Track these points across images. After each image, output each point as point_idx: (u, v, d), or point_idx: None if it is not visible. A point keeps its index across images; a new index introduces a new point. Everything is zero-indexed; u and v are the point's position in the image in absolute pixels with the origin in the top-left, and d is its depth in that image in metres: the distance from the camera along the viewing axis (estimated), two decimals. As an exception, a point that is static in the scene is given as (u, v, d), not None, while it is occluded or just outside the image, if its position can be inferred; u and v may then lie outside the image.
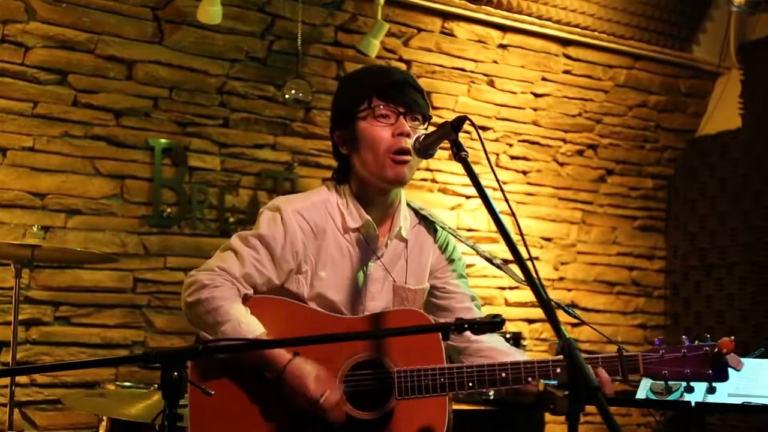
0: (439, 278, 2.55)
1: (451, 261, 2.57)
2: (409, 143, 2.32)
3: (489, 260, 2.56)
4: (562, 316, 2.09)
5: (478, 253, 2.57)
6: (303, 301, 2.37)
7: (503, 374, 2.24)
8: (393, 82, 2.37)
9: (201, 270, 2.34)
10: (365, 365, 2.28)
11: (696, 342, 2.22)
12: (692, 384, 2.21)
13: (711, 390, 2.23)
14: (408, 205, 2.53)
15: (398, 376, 2.24)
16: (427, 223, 2.55)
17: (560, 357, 2.24)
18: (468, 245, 2.58)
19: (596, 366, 2.23)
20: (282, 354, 2.22)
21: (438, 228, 2.56)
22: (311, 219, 2.38)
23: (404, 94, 2.36)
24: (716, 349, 2.18)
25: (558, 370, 2.22)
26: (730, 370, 2.18)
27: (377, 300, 2.42)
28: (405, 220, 2.48)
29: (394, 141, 2.34)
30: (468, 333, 2.22)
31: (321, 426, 2.23)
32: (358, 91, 2.39)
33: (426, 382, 2.23)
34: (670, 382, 2.22)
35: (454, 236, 2.57)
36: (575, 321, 2.52)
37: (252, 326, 2.23)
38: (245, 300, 2.32)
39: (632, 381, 3.11)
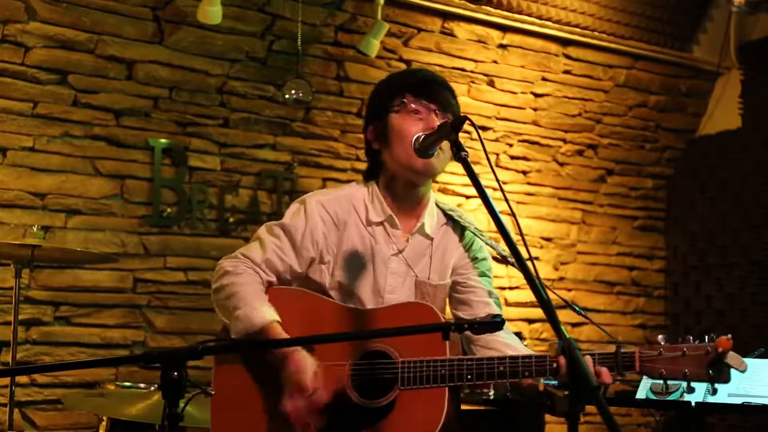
0: (462, 274, 2.59)
1: (474, 259, 2.61)
2: None
3: (503, 259, 2.59)
4: (562, 315, 2.09)
5: (498, 253, 2.59)
6: (325, 290, 2.45)
7: (501, 368, 2.26)
8: (426, 80, 2.48)
9: (227, 257, 2.46)
10: (374, 355, 2.34)
11: (701, 339, 2.17)
12: (692, 384, 2.17)
13: (713, 391, 2.17)
14: (437, 204, 2.60)
15: (402, 366, 2.29)
16: (454, 223, 2.60)
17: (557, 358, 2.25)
18: (491, 245, 2.62)
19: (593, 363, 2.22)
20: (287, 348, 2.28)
21: (465, 228, 2.61)
22: (333, 211, 2.47)
23: (437, 92, 2.44)
24: (717, 349, 2.11)
25: (555, 365, 2.23)
26: (733, 372, 2.12)
27: (397, 293, 2.47)
28: (431, 218, 2.55)
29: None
30: None
31: (328, 413, 2.28)
32: (392, 87, 2.49)
33: (428, 373, 2.28)
34: (669, 381, 2.20)
35: (480, 238, 2.61)
36: (575, 321, 2.53)
37: (264, 313, 2.31)
38: (267, 288, 2.42)
39: (632, 381, 3.11)
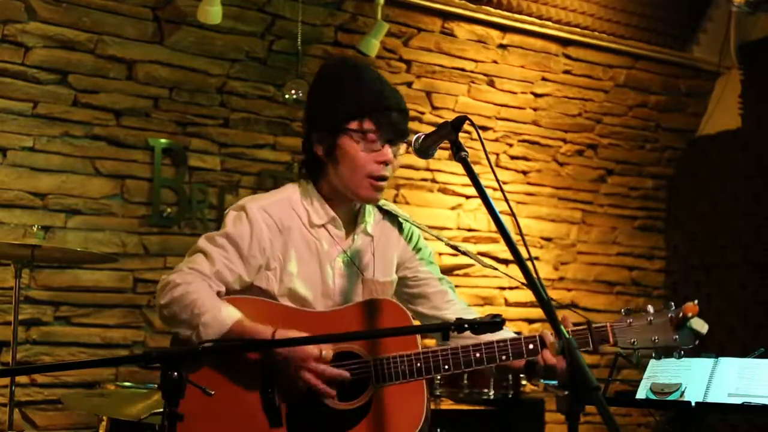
0: (409, 268, 2.58)
1: (418, 250, 2.61)
2: (389, 171, 2.39)
3: (455, 248, 2.63)
4: (561, 316, 2.10)
5: (444, 242, 2.63)
6: (274, 297, 2.39)
7: (477, 354, 2.28)
8: (389, 108, 2.36)
9: (172, 272, 2.35)
10: (342, 356, 2.29)
11: (662, 309, 2.28)
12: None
13: (679, 354, 2.27)
14: None
15: (375, 364, 2.27)
16: (390, 217, 2.59)
17: (533, 335, 2.32)
18: (432, 235, 2.62)
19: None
20: (264, 330, 2.23)
21: (401, 221, 2.60)
22: (276, 216, 2.40)
23: (397, 123, 2.37)
24: (681, 314, 2.23)
25: (530, 346, 2.29)
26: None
27: (347, 294, 2.45)
28: (369, 215, 2.53)
29: (375, 167, 2.38)
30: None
31: (302, 420, 2.24)
32: (353, 106, 2.37)
33: (403, 368, 2.26)
34: (640, 353, 2.27)
35: (419, 228, 2.62)
36: (575, 321, 2.54)
37: (230, 311, 2.25)
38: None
39: (632, 381, 3.11)
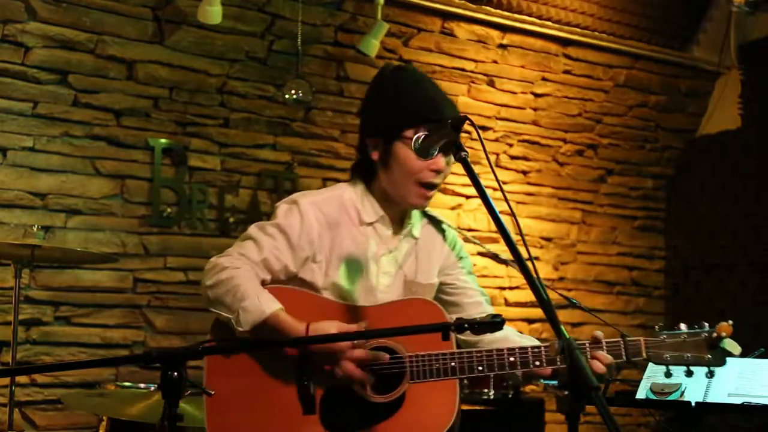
0: (450, 275, 2.62)
1: (460, 258, 2.64)
2: (440, 178, 2.44)
3: (495, 256, 2.64)
4: (562, 316, 2.11)
5: (484, 249, 2.65)
6: (317, 290, 2.43)
7: (511, 358, 2.30)
8: (445, 118, 2.30)
9: (221, 255, 2.42)
10: (379, 351, 2.33)
11: (695, 327, 2.29)
12: (692, 369, 2.26)
13: (710, 374, 2.33)
14: None
15: (410, 360, 2.30)
16: (434, 222, 2.63)
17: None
18: (474, 243, 2.71)
19: (599, 349, 2.34)
20: (298, 326, 2.27)
21: (445, 227, 2.64)
22: (326, 211, 2.45)
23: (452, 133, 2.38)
24: (714, 334, 2.25)
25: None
26: (731, 360, 2.20)
27: (388, 293, 2.48)
28: (416, 219, 2.57)
29: (427, 174, 2.42)
30: None
31: (335, 410, 2.29)
32: (410, 115, 2.40)
33: (437, 366, 2.29)
34: (671, 368, 2.28)
35: (460, 235, 2.66)
36: (575, 321, 2.55)
37: (270, 301, 2.30)
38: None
39: (632, 381, 3.11)
